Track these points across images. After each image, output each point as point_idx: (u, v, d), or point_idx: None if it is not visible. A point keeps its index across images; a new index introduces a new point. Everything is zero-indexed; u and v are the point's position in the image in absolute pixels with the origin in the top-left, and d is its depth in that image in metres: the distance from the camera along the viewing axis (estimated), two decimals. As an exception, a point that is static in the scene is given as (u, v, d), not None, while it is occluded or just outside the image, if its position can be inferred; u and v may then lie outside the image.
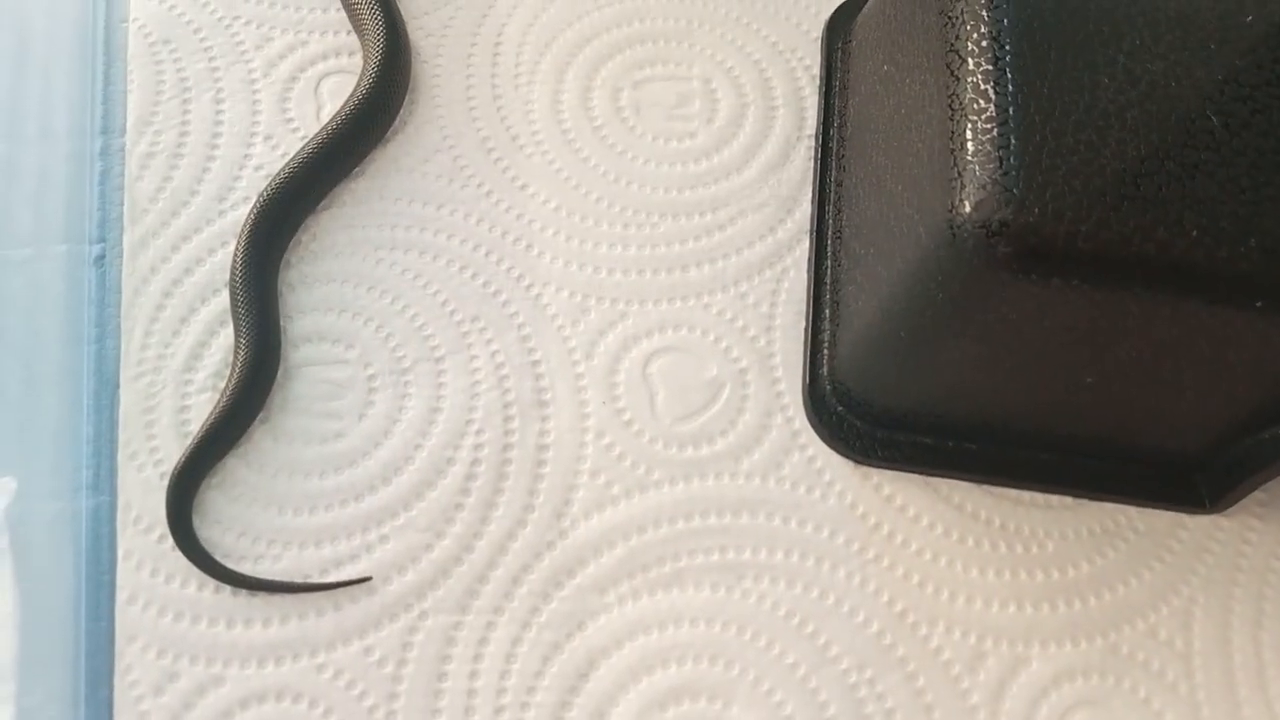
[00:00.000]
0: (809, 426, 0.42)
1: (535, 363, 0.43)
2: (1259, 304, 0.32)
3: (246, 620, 0.38)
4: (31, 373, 0.42)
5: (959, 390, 0.40)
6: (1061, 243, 0.32)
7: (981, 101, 0.34)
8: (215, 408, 0.40)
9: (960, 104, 0.34)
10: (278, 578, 0.39)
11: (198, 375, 0.42)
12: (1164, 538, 0.41)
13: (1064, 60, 0.34)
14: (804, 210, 0.46)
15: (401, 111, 0.47)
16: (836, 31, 0.49)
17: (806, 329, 0.44)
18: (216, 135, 0.46)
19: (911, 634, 0.39)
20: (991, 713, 0.38)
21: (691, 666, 0.39)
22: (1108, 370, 0.36)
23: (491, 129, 0.47)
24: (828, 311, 0.43)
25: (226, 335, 0.42)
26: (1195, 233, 0.32)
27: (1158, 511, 0.41)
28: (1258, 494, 0.41)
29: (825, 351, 0.43)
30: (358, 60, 0.48)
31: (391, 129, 0.47)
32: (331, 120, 0.45)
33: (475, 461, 0.41)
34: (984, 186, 0.32)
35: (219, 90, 0.47)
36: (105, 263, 0.44)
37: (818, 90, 0.48)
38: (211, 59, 0.48)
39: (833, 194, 0.46)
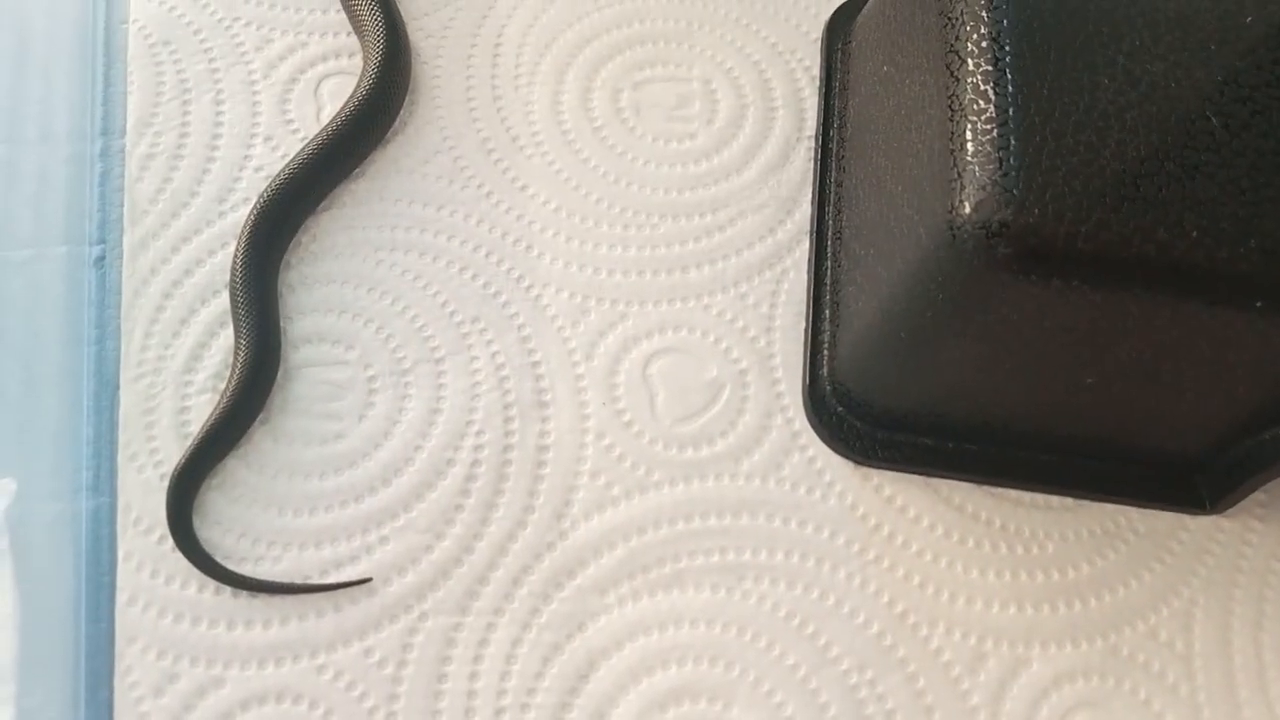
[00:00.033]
0: (809, 427, 0.42)
1: (535, 364, 0.43)
2: (1259, 305, 0.32)
3: (247, 621, 0.38)
4: (31, 374, 0.42)
5: (959, 391, 0.40)
6: (1061, 244, 0.32)
7: (981, 102, 0.34)
8: (215, 409, 0.40)
9: (960, 105, 0.34)
10: (278, 579, 0.39)
11: (198, 376, 0.42)
12: (1164, 539, 0.41)
13: (1064, 61, 0.34)
14: (804, 211, 0.46)
15: (401, 113, 0.47)
16: (836, 32, 0.49)
17: (806, 330, 0.44)
18: (216, 136, 0.46)
19: (912, 635, 0.39)
20: (992, 714, 0.38)
21: (692, 667, 0.39)
22: (1108, 371, 0.36)
23: (491, 130, 0.47)
24: (828, 312, 0.43)
25: (226, 336, 0.42)
26: (1195, 234, 0.32)
27: (1158, 513, 0.41)
28: (1258, 495, 0.41)
29: (825, 352, 0.43)
30: (358, 61, 0.48)
31: (391, 130, 0.47)
32: (331, 121, 0.45)
33: (475, 463, 0.41)
34: (984, 187, 0.32)
35: (219, 91, 0.47)
36: (105, 264, 0.44)
37: (817, 91, 0.48)
38: (211, 60, 0.48)
39: (832, 195, 0.46)
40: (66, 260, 0.44)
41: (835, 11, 0.50)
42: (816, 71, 0.49)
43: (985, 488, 0.42)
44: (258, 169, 0.46)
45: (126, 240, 0.44)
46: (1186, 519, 0.41)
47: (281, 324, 0.43)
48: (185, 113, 0.47)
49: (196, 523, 0.40)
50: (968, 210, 0.33)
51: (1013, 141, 0.33)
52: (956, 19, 0.35)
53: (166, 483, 0.40)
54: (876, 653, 0.39)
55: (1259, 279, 0.32)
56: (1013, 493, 0.42)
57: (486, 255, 0.45)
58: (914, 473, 0.42)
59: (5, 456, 0.41)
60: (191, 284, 0.43)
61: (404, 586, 0.39)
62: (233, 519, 0.40)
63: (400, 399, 0.42)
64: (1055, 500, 0.41)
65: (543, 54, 0.49)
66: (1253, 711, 0.39)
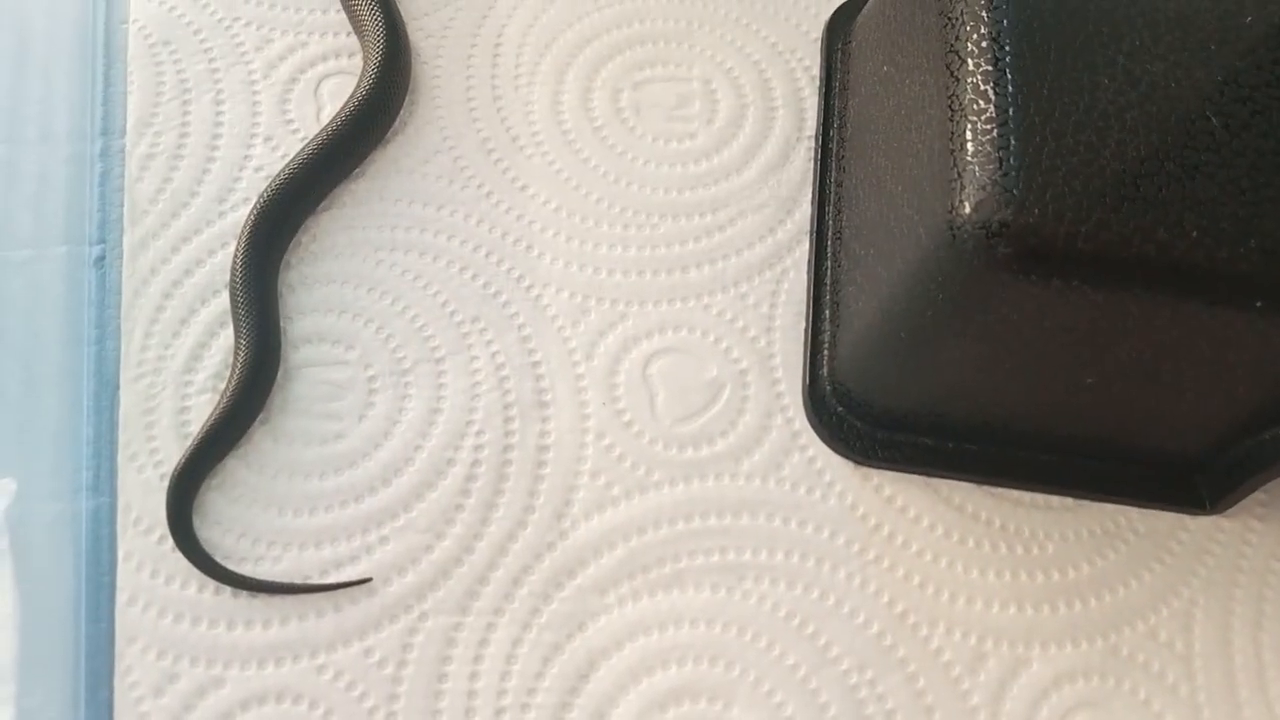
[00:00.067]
0: (809, 427, 0.42)
1: (535, 364, 0.43)
2: (1259, 305, 0.32)
3: (247, 621, 0.38)
4: (31, 374, 0.42)
5: (959, 391, 0.40)
6: (1061, 244, 0.32)
7: (981, 102, 0.34)
8: (215, 409, 0.40)
9: (960, 105, 0.34)
10: (278, 579, 0.39)
11: (198, 376, 0.42)
12: (1164, 539, 0.41)
13: (1064, 61, 0.34)
14: (804, 211, 0.46)
15: (401, 113, 0.47)
16: (836, 32, 0.49)
17: (806, 330, 0.44)
18: (216, 136, 0.46)
19: (912, 635, 0.39)
20: (992, 714, 0.38)
21: (692, 667, 0.39)
22: (1108, 371, 0.36)
23: (491, 130, 0.47)
24: (828, 312, 0.43)
25: (226, 336, 0.42)
26: (1195, 233, 0.32)
27: (1158, 513, 0.41)
28: (1258, 495, 0.41)
29: (825, 352, 0.43)
30: (358, 61, 0.48)
31: (391, 130, 0.47)
32: (331, 121, 0.45)
33: (475, 462, 0.41)
34: (984, 187, 0.32)
35: (219, 92, 0.47)
36: (105, 264, 0.44)
37: (817, 91, 0.48)
38: (211, 60, 0.48)
39: (832, 195, 0.46)
40: (66, 260, 0.44)
41: (835, 11, 0.50)
42: (816, 71, 0.49)
43: (985, 488, 0.42)
44: (258, 169, 0.46)
45: (126, 240, 0.44)
46: (1186, 519, 0.41)
47: (281, 324, 0.43)
48: (185, 113, 0.47)
49: (196, 523, 0.40)
50: (968, 210, 0.33)
51: (1013, 141, 0.33)
52: (956, 19, 0.35)
53: (166, 483, 0.40)
54: (877, 653, 0.39)
55: (1259, 279, 0.32)
56: (1013, 493, 0.42)
57: (486, 255, 0.45)
58: (914, 473, 0.42)
59: (5, 456, 0.41)
60: (191, 284, 0.43)
61: (404, 586, 0.39)
62: (233, 519, 0.40)
63: (400, 399, 0.42)
64: (1055, 500, 0.41)
65: (543, 54, 0.49)
66: (1253, 712, 0.39)
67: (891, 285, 0.38)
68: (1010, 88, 0.33)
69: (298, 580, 0.39)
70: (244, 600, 0.39)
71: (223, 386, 0.41)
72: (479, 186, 0.46)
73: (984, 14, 0.35)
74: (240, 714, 0.37)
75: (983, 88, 0.34)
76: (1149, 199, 0.32)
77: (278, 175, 0.44)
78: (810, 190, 0.46)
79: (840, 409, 0.42)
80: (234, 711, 0.37)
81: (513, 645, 0.39)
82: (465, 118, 0.47)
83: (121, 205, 0.45)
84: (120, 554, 0.39)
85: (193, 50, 0.48)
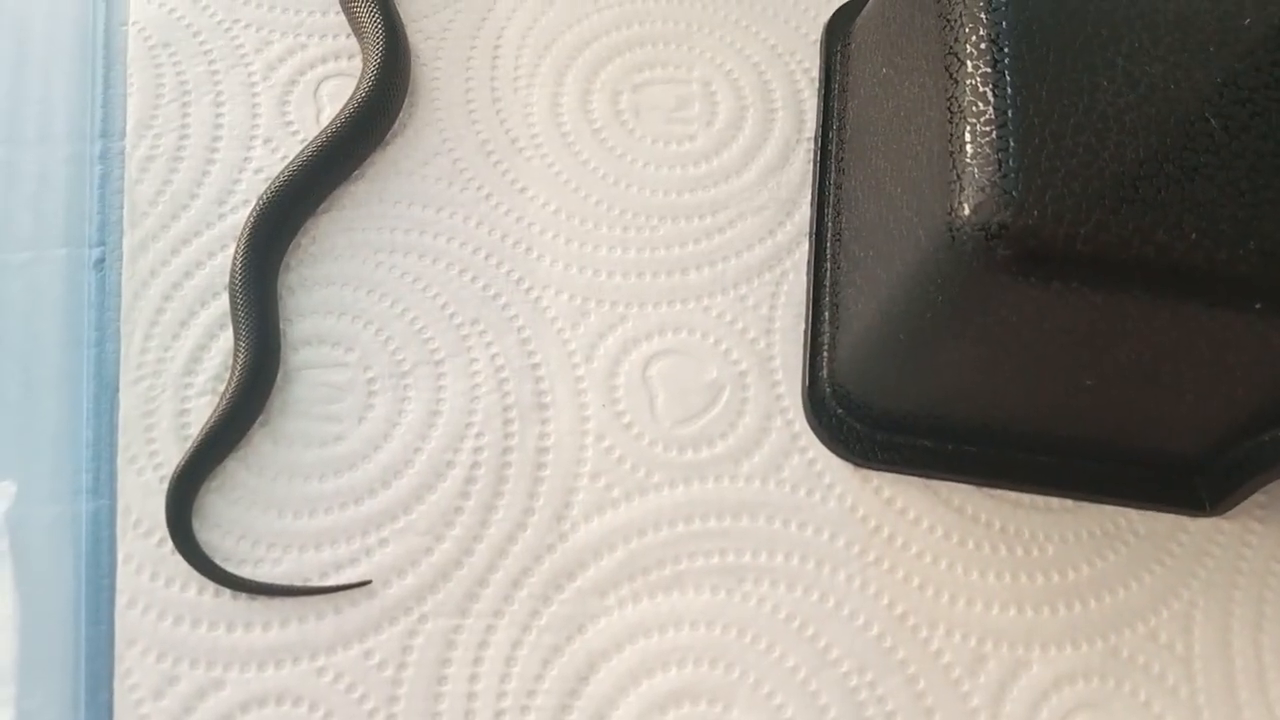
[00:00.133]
0: (809, 429, 0.42)
1: (535, 366, 0.43)
2: (1258, 306, 0.32)
3: (246, 624, 0.38)
4: (31, 376, 0.42)
5: (958, 393, 0.40)
6: (1060, 245, 0.32)
7: (980, 104, 0.34)
8: (215, 411, 0.40)
9: (959, 107, 0.34)
10: (277, 581, 0.39)
11: (197, 379, 0.42)
12: (1164, 540, 0.41)
13: (1063, 63, 0.34)
14: (803, 213, 0.46)
15: (401, 114, 0.47)
16: (835, 34, 0.49)
17: (806, 331, 0.44)
18: (216, 138, 0.46)
19: (912, 637, 0.39)
20: (992, 715, 0.38)
21: (692, 669, 0.39)
22: (1107, 373, 0.36)
23: (491, 132, 0.47)
24: (827, 314, 0.43)
25: (226, 338, 0.42)
26: (1194, 235, 0.32)
27: (1158, 514, 0.41)
28: (1258, 496, 0.41)
29: (825, 354, 0.43)
30: (357, 63, 0.48)
31: (391, 132, 0.47)
32: (331, 123, 0.45)
33: (475, 464, 0.41)
34: (983, 189, 0.32)
35: (219, 93, 0.47)
36: (105, 266, 0.44)
37: (817, 93, 0.48)
38: (211, 62, 0.48)
39: (832, 197, 0.46)
40: (66, 262, 0.44)
41: (834, 13, 0.50)
42: (816, 73, 0.49)
43: (985, 489, 0.42)
44: (257, 171, 0.46)
45: (126, 242, 0.44)
46: (1186, 521, 0.41)
47: (281, 326, 0.43)
48: (185, 115, 0.47)
49: (196, 525, 0.40)
50: (967, 212, 0.33)
51: (1012, 143, 0.33)
52: (955, 21, 0.35)
53: (166, 485, 0.40)
54: (876, 655, 0.39)
55: (1258, 281, 0.32)
56: (1012, 494, 0.42)
57: (486, 257, 0.45)
58: (913, 474, 0.42)
59: (5, 459, 0.41)
60: (191, 286, 0.43)
61: (404, 588, 0.39)
62: (232, 521, 0.40)
63: (400, 401, 0.42)
64: (1055, 502, 0.41)
65: (542, 56, 0.49)
66: (1253, 713, 0.39)
67: (891, 287, 0.38)
68: (1009, 90, 0.33)
69: (297, 582, 0.39)
70: (244, 602, 0.39)
71: (222, 389, 0.41)
72: (478, 189, 0.46)
73: (983, 16, 0.35)
74: (240, 716, 0.37)
75: (982, 90, 0.34)
76: (1148, 201, 0.32)
77: (277, 177, 0.44)
78: (810, 192, 0.46)
79: (840, 411, 0.42)
80: (234, 713, 0.37)
81: (512, 647, 0.39)
82: (464, 120, 0.47)
83: (121, 207, 0.45)
84: (120, 556, 0.39)
85: (192, 52, 0.48)
